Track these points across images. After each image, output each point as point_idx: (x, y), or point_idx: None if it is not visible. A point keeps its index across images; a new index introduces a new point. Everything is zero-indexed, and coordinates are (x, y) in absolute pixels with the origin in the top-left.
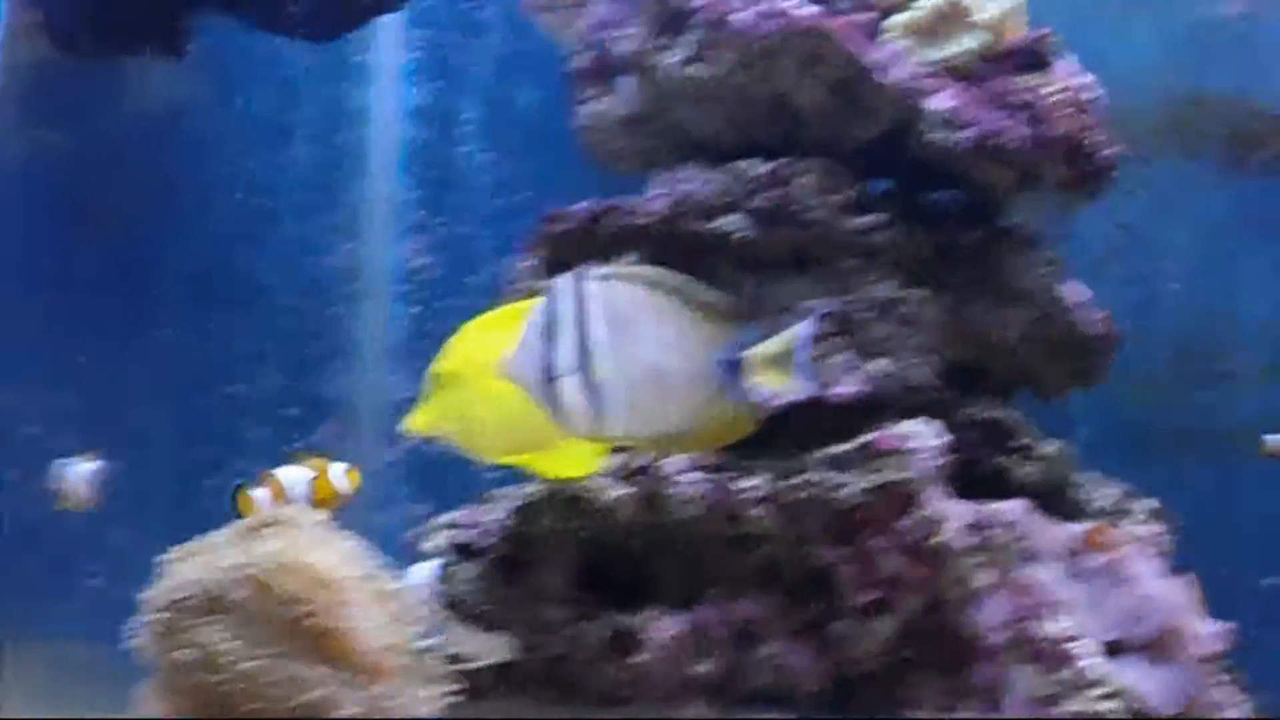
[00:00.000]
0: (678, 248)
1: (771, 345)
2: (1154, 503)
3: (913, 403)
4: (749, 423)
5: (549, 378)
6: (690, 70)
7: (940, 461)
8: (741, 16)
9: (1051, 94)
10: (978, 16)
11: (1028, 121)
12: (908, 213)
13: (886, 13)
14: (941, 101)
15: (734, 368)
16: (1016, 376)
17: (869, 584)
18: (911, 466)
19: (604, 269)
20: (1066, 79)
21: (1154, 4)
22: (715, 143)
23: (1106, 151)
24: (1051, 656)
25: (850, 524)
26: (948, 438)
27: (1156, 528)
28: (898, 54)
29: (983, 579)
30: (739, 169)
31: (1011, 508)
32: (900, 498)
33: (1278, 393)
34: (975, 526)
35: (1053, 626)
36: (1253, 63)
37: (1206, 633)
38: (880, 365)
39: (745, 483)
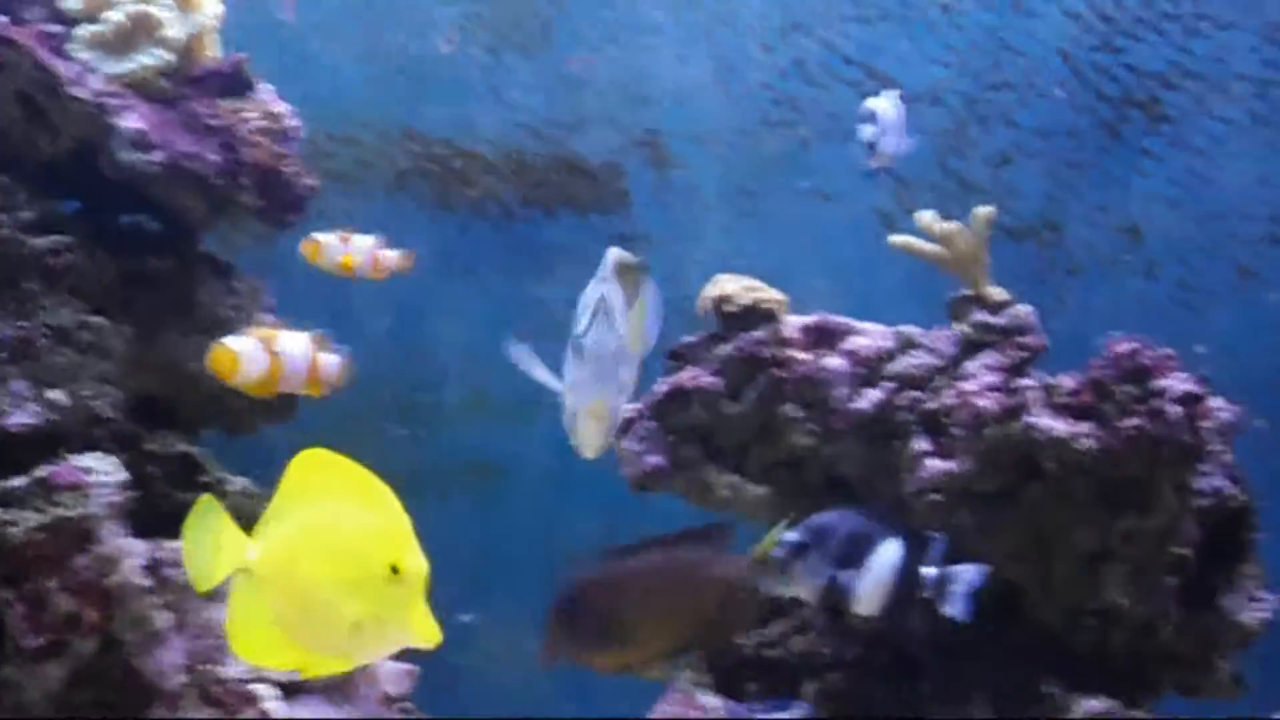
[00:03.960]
0: None
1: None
2: None
3: (93, 435)
4: None
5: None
6: None
7: (120, 497)
8: None
9: (247, 121)
10: (166, 33)
11: (221, 147)
12: (96, 236)
13: (76, 24)
14: (132, 121)
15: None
16: (207, 411)
17: (40, 626)
18: (89, 503)
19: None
20: (264, 106)
21: (361, 35)
22: None
23: (303, 182)
24: (232, 698)
25: (22, 563)
26: (127, 474)
27: None
28: (88, 68)
29: (162, 620)
30: None
31: None
32: (75, 535)
33: (475, 428)
34: (155, 565)
35: (233, 668)
36: (461, 103)
37: (389, 672)
38: (59, 395)
39: None
